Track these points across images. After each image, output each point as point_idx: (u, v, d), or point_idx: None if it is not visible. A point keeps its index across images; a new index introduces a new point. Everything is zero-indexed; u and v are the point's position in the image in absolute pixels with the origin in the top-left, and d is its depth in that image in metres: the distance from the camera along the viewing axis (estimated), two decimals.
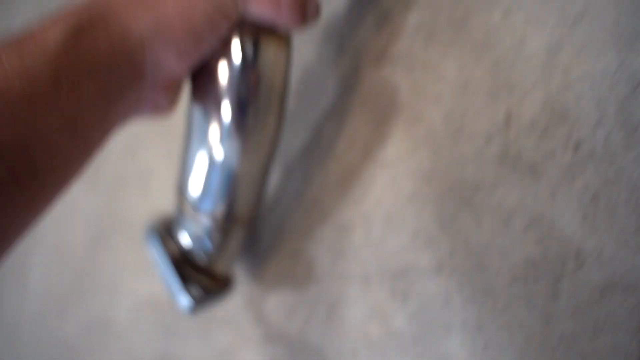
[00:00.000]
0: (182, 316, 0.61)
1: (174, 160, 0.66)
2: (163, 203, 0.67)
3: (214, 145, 0.39)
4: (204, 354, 0.57)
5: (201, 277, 0.46)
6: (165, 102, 0.36)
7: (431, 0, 0.41)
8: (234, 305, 0.54)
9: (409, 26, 0.42)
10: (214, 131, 0.39)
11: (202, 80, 0.38)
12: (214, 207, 0.42)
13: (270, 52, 0.37)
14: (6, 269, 0.89)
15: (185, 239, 0.45)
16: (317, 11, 0.36)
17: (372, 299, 0.42)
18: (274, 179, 0.51)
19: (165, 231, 0.47)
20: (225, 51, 0.36)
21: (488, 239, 0.36)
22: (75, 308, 0.78)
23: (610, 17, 0.32)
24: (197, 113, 0.40)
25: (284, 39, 0.38)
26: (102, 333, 0.71)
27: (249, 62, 0.37)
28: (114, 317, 0.71)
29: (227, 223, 0.43)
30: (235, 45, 0.36)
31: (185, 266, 0.45)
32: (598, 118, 0.32)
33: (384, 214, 0.42)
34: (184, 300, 0.44)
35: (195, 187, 0.42)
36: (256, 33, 0.36)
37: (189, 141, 0.41)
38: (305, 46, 0.49)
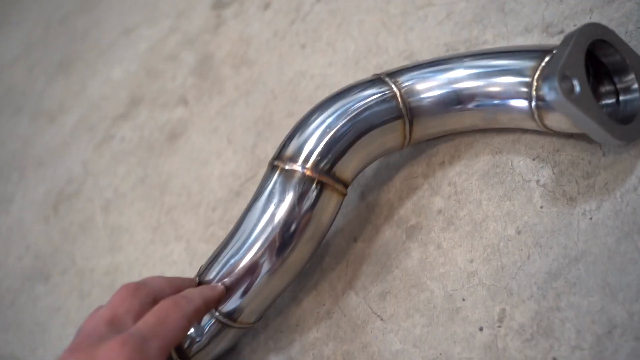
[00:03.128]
0: None
1: (148, 223, 0.68)
2: (126, 260, 0.67)
3: (253, 257, 0.44)
4: None
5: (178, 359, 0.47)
6: None
7: (459, 197, 0.49)
8: None
9: (433, 207, 0.49)
10: (258, 243, 0.43)
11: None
12: (224, 305, 0.45)
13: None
14: None
15: None
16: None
17: None
18: None
19: None
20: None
21: None
22: None
23: (602, 266, 0.41)
24: (250, 221, 0.44)
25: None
26: None
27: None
28: None
29: (227, 322, 0.46)
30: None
31: (173, 351, 0.47)
32: (577, 344, 0.40)
33: None
34: None
35: (216, 280, 0.45)
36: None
37: (231, 239, 0.45)
38: None
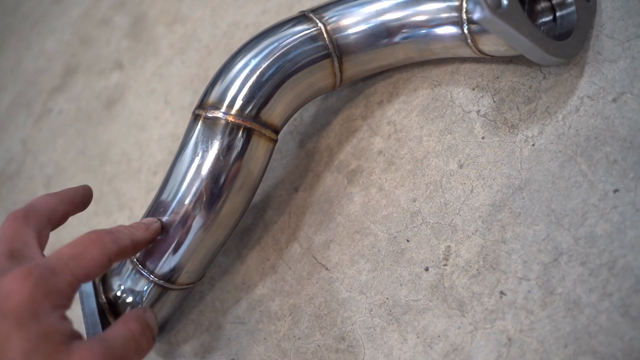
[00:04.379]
0: None
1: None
2: (71, 235, 0.64)
3: (183, 214, 0.41)
4: None
5: None
6: None
7: (399, 135, 0.46)
8: None
9: (373, 148, 0.47)
10: (187, 199, 0.41)
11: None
12: (159, 267, 0.43)
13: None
14: None
15: (117, 288, 0.45)
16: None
17: None
18: None
19: (99, 277, 0.46)
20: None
21: (410, 357, 0.40)
22: None
23: (547, 193, 0.39)
24: (177, 176, 0.41)
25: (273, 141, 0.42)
26: None
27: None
28: None
29: (165, 285, 0.43)
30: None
31: (110, 315, 0.44)
32: (523, 274, 0.38)
33: (313, 312, 0.45)
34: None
35: None
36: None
37: (159, 197, 0.42)
38: None
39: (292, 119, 0.52)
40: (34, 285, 0.32)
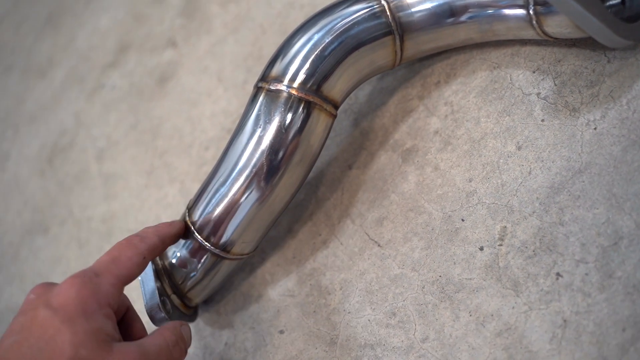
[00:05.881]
0: None
1: (142, 169, 0.66)
2: (122, 206, 0.66)
3: (241, 185, 0.42)
4: None
5: (174, 295, 0.47)
6: None
7: (456, 116, 0.46)
8: None
9: (430, 128, 0.47)
10: (247, 169, 0.42)
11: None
12: (216, 236, 0.44)
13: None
14: None
15: (173, 256, 0.46)
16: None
17: None
18: None
19: None
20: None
21: (462, 334, 0.40)
22: None
23: (608, 177, 0.39)
24: (237, 148, 0.42)
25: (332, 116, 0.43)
26: None
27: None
28: None
29: (221, 254, 0.44)
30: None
31: (164, 281, 0.46)
32: (581, 257, 0.38)
33: (364, 287, 0.45)
34: (155, 310, 0.44)
35: (206, 212, 0.43)
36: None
37: (218, 169, 0.43)
38: None
39: (344, 101, 0.52)
40: (81, 286, 0.36)
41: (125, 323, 0.42)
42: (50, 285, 0.37)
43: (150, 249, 0.41)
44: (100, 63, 0.83)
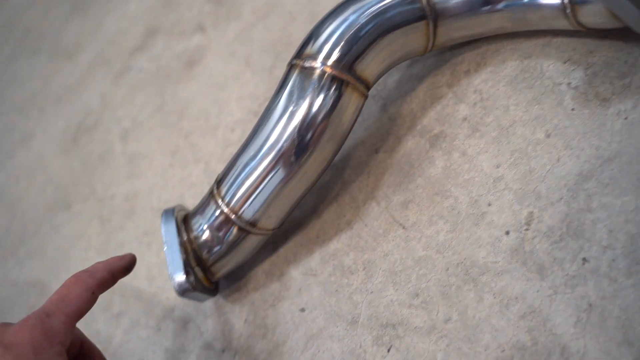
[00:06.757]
0: (131, 297, 0.60)
1: (167, 149, 0.67)
2: (146, 185, 0.67)
3: (271, 160, 0.42)
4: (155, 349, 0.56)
5: (198, 269, 0.47)
6: None
7: (485, 104, 0.47)
8: (202, 306, 0.54)
9: (458, 115, 0.48)
10: (278, 145, 0.42)
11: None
12: (244, 209, 0.44)
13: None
14: None
15: (198, 228, 0.47)
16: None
17: (355, 341, 0.44)
18: None
19: (181, 216, 0.49)
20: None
21: (485, 316, 0.40)
22: (16, 266, 0.74)
23: (638, 166, 0.39)
24: (269, 123, 0.43)
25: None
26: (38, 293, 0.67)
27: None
28: (49, 286, 0.68)
29: (247, 228, 0.45)
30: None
31: (189, 254, 0.46)
32: (608, 243, 0.38)
33: (388, 267, 0.46)
34: (180, 281, 0.45)
35: (235, 185, 0.44)
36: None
37: (249, 143, 0.44)
38: None
39: (375, 83, 0.53)
40: (33, 327, 0.37)
41: (84, 354, 0.44)
42: (7, 326, 0.39)
43: (100, 283, 0.41)
44: (128, 47, 0.84)
